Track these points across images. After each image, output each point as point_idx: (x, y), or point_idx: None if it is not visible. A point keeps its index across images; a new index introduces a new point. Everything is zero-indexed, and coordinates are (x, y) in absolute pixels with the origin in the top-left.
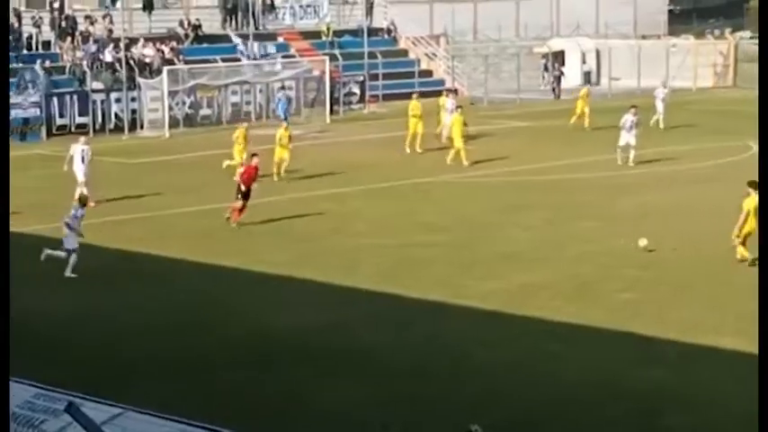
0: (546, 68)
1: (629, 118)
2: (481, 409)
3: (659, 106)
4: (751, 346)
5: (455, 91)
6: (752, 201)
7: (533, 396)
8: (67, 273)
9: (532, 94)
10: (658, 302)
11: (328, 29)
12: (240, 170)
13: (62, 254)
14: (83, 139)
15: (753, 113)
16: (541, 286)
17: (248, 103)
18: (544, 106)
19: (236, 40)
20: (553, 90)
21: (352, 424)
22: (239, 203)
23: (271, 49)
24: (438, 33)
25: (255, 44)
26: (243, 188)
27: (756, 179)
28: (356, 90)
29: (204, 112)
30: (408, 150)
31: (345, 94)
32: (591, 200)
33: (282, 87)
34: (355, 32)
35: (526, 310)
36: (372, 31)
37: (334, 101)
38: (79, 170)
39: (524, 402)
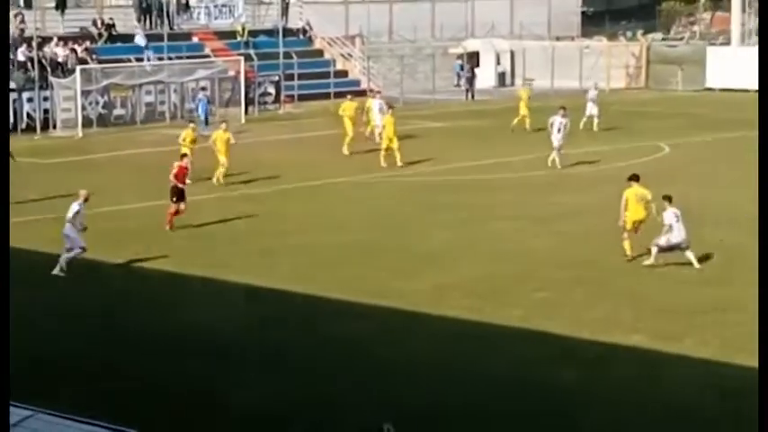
0: (461, 69)
1: (557, 119)
2: (393, 409)
3: (591, 108)
4: (666, 344)
5: (379, 92)
6: (632, 190)
7: (447, 395)
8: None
9: (447, 94)
10: (573, 302)
11: (243, 29)
12: (173, 171)
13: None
14: None
15: (664, 114)
16: (457, 286)
17: (162, 102)
18: (459, 107)
19: (141, 42)
20: (467, 91)
21: (263, 421)
22: (173, 207)
23: (185, 49)
24: (353, 34)
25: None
26: (178, 188)
27: (636, 173)
28: (271, 90)
29: (118, 111)
30: (347, 153)
31: (260, 95)
32: (508, 200)
33: (203, 88)
34: (270, 32)
35: (441, 310)
36: (287, 32)
37: (249, 101)
38: None
39: (437, 402)
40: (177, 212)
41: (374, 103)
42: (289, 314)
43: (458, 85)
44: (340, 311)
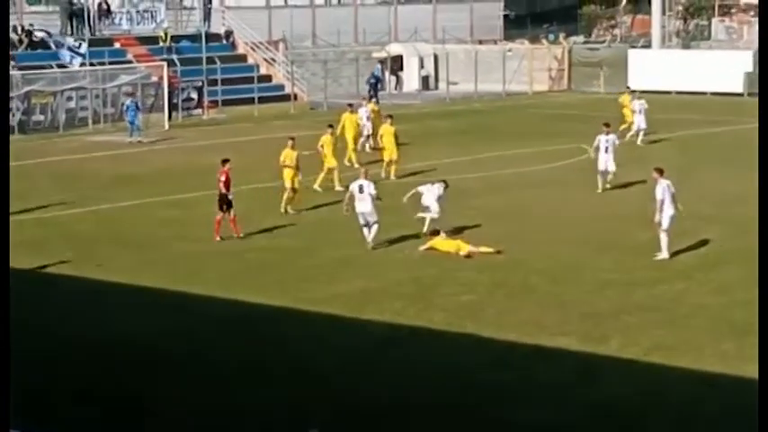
0: (382, 73)
1: (602, 138)
2: (319, 413)
3: (639, 120)
4: (594, 345)
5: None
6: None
7: (373, 399)
8: None
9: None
10: (497, 304)
11: (166, 34)
12: (222, 178)
13: None
14: None
15: (586, 117)
16: (382, 290)
17: (84, 108)
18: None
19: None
20: (372, 97)
21: (192, 430)
22: (219, 215)
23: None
24: (276, 39)
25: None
26: (224, 196)
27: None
28: (195, 96)
29: (37, 118)
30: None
31: (184, 100)
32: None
33: (131, 93)
34: (193, 38)
35: (366, 314)
36: (210, 37)
37: (172, 107)
38: None
39: (364, 405)
40: (226, 221)
41: (361, 111)
42: (216, 321)
43: (381, 89)
44: (267, 317)
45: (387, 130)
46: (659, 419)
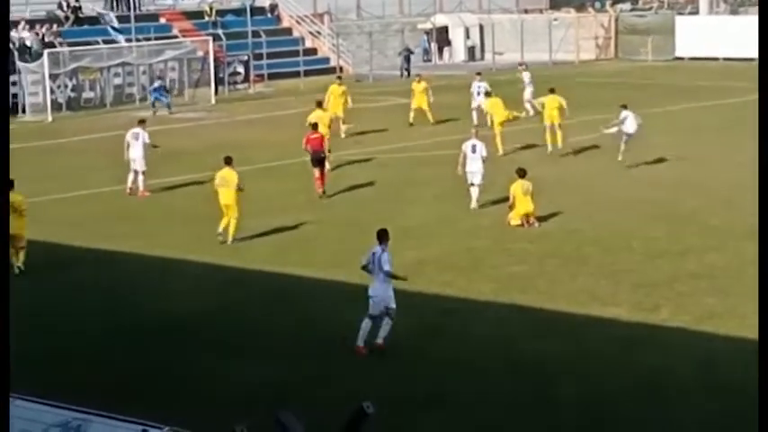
0: (429, 44)
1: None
2: (379, 387)
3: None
4: (644, 315)
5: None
6: (518, 185)
7: (427, 371)
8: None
9: (417, 70)
10: (548, 275)
11: (211, 9)
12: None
13: None
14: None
15: (633, 84)
16: (432, 261)
17: (131, 84)
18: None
19: (109, 23)
20: (406, 69)
21: (248, 404)
22: (316, 172)
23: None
24: (322, 11)
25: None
26: (315, 156)
27: (523, 167)
28: (241, 70)
29: (87, 94)
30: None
31: (230, 74)
32: None
33: (159, 77)
34: (238, 12)
35: (417, 286)
36: (255, 10)
37: (218, 81)
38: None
39: (418, 378)
40: (321, 179)
41: (474, 86)
42: (270, 295)
43: (427, 60)
44: (319, 290)
45: (495, 101)
46: (707, 388)
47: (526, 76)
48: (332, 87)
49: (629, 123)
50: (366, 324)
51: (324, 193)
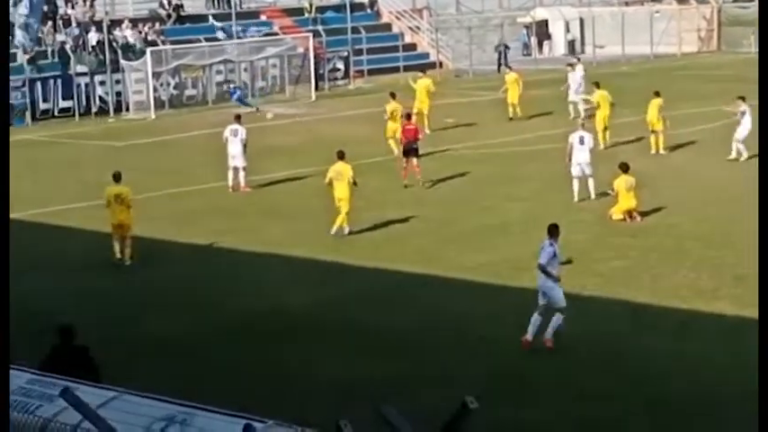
0: (528, 38)
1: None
2: (484, 384)
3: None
4: (749, 310)
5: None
6: (621, 180)
7: (531, 367)
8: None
9: (516, 64)
10: (651, 269)
11: (311, 5)
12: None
13: None
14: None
15: (737, 77)
16: (533, 256)
17: (233, 81)
18: (528, 76)
19: (216, 23)
20: (503, 64)
21: (351, 399)
22: (410, 162)
23: (253, 27)
24: (421, 6)
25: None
26: (408, 146)
27: (626, 162)
28: (341, 66)
29: (189, 92)
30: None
31: (330, 71)
32: None
33: (230, 81)
34: (338, 8)
35: (518, 281)
36: (355, 7)
37: (319, 77)
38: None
39: (523, 374)
40: (412, 168)
41: (577, 71)
42: (368, 291)
43: (527, 54)
44: (418, 286)
45: (603, 95)
46: None
47: (578, 72)
48: (419, 81)
49: (747, 120)
50: (535, 318)
51: (420, 182)
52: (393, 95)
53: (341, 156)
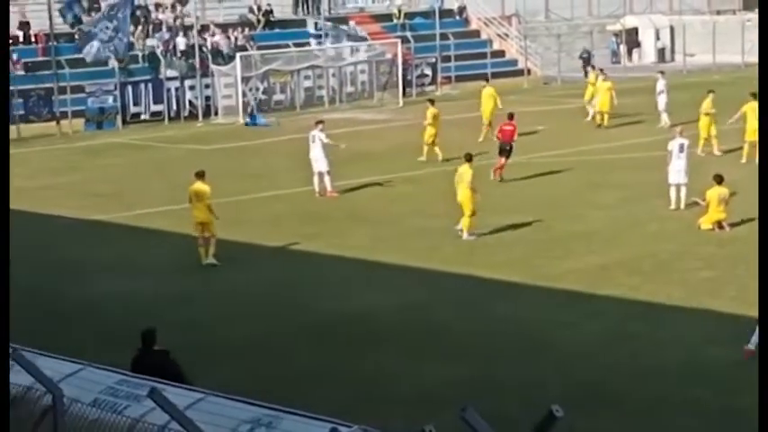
0: (617, 46)
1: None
2: (563, 391)
3: None
4: None
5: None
6: (714, 192)
7: (613, 376)
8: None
9: (606, 72)
10: (738, 280)
11: (399, 11)
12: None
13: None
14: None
15: None
16: (619, 265)
17: (321, 87)
18: (617, 84)
19: (312, 27)
20: (586, 72)
21: (434, 404)
22: (501, 161)
23: (342, 33)
24: (509, 13)
25: (328, 28)
26: (503, 146)
27: (720, 174)
28: (428, 72)
29: (278, 97)
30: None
31: (418, 77)
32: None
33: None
34: (426, 14)
35: (604, 290)
36: (444, 13)
37: (406, 83)
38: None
39: (604, 383)
40: (502, 167)
41: (659, 85)
42: (455, 297)
43: (616, 62)
44: (504, 293)
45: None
46: None
47: (661, 83)
48: (483, 91)
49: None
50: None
51: (501, 179)
52: (431, 101)
53: (468, 158)
